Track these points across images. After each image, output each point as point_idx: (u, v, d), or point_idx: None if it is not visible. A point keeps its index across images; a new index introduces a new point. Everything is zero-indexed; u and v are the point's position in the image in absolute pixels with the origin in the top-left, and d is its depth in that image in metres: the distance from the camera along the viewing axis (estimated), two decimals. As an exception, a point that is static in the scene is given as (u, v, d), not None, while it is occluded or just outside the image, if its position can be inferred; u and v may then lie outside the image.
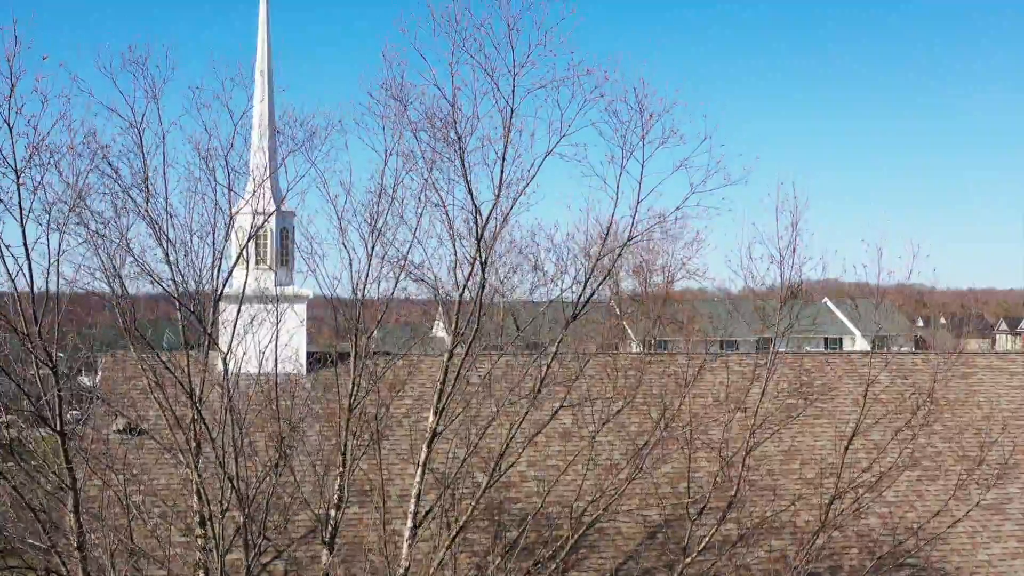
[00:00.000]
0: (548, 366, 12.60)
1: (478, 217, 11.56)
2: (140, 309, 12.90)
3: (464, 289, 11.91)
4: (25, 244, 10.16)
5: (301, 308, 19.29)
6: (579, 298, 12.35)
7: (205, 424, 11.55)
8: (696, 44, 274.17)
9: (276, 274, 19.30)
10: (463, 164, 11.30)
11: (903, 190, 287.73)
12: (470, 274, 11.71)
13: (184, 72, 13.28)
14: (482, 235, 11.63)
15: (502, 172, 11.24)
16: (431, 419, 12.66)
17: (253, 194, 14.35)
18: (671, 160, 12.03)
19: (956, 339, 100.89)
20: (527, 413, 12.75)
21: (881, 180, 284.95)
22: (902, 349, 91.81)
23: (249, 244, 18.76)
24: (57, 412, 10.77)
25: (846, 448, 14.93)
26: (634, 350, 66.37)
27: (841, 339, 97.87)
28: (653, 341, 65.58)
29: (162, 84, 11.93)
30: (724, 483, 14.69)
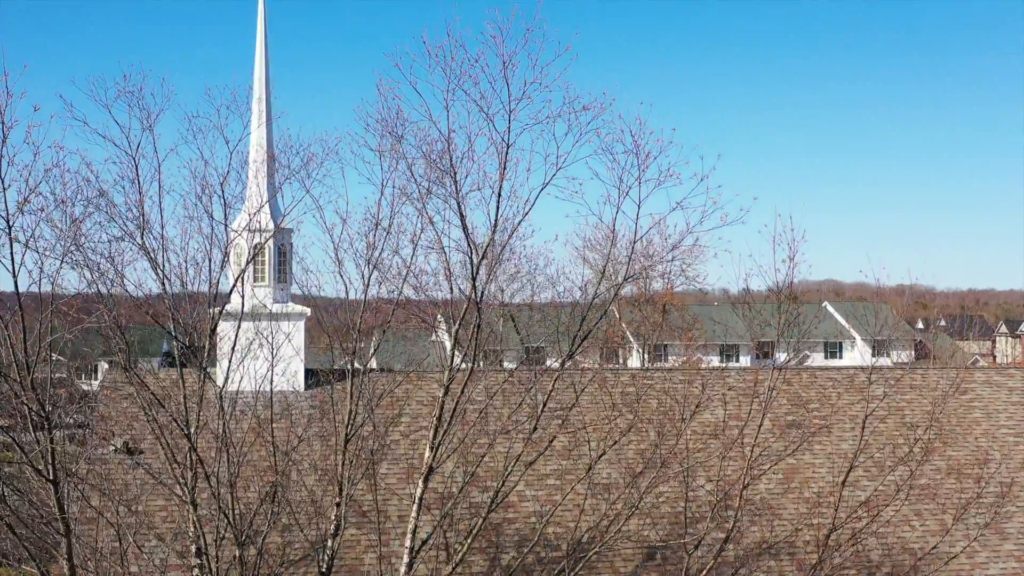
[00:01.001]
0: (544, 403, 12.52)
1: (473, 256, 11.52)
2: (134, 333, 12.87)
3: (459, 326, 11.86)
4: (18, 295, 10.08)
5: (299, 326, 19.26)
6: (575, 336, 12.32)
7: (202, 463, 11.51)
8: (695, 67, 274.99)
9: (274, 292, 19.28)
10: (458, 201, 11.27)
11: (903, 190, 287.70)
12: (465, 312, 11.67)
13: (181, 96, 13.24)
14: (477, 273, 11.59)
15: (498, 208, 11.24)
16: (427, 454, 12.62)
17: (248, 224, 14.29)
18: (667, 198, 12.03)
19: (956, 342, 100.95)
20: (522, 453, 12.67)
21: (881, 180, 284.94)
22: (901, 356, 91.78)
23: (246, 270, 18.72)
24: (50, 461, 10.68)
25: (843, 482, 14.90)
26: (635, 354, 66.36)
27: (841, 343, 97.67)
28: (653, 347, 65.67)
29: (157, 114, 11.89)
30: (722, 513, 14.69)
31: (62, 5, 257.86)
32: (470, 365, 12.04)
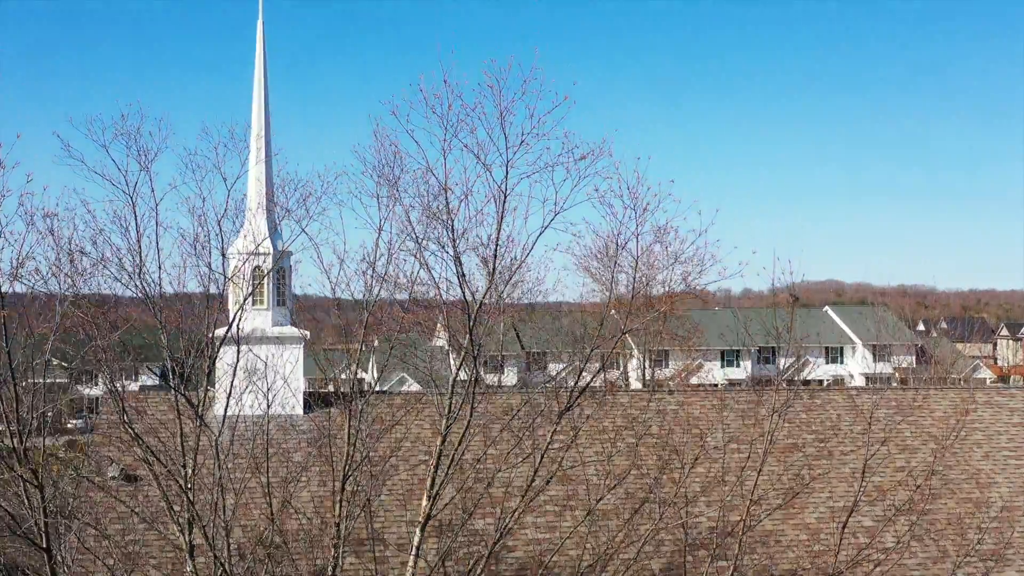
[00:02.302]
0: (543, 455, 12.42)
1: (469, 309, 11.42)
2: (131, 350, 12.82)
3: (458, 373, 11.78)
4: (11, 367, 10.02)
5: (298, 350, 19.19)
6: (573, 388, 12.24)
7: (197, 515, 11.45)
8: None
9: (273, 315, 19.22)
10: (456, 255, 11.18)
11: (904, 190, 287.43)
12: (461, 363, 11.61)
13: (179, 130, 13.20)
14: (474, 325, 11.50)
15: (495, 259, 11.14)
16: (424, 503, 12.54)
17: (246, 261, 14.23)
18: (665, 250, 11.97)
19: (956, 346, 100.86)
20: (519, 507, 12.58)
21: (882, 180, 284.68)
22: (901, 361, 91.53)
23: (244, 304, 18.65)
24: (43, 529, 10.58)
25: (843, 526, 14.87)
26: (634, 359, 66.35)
27: (842, 348, 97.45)
28: (654, 353, 65.63)
29: (155, 154, 11.83)
30: (721, 544, 14.63)
31: (61, 40, 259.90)
32: (468, 418, 11.94)
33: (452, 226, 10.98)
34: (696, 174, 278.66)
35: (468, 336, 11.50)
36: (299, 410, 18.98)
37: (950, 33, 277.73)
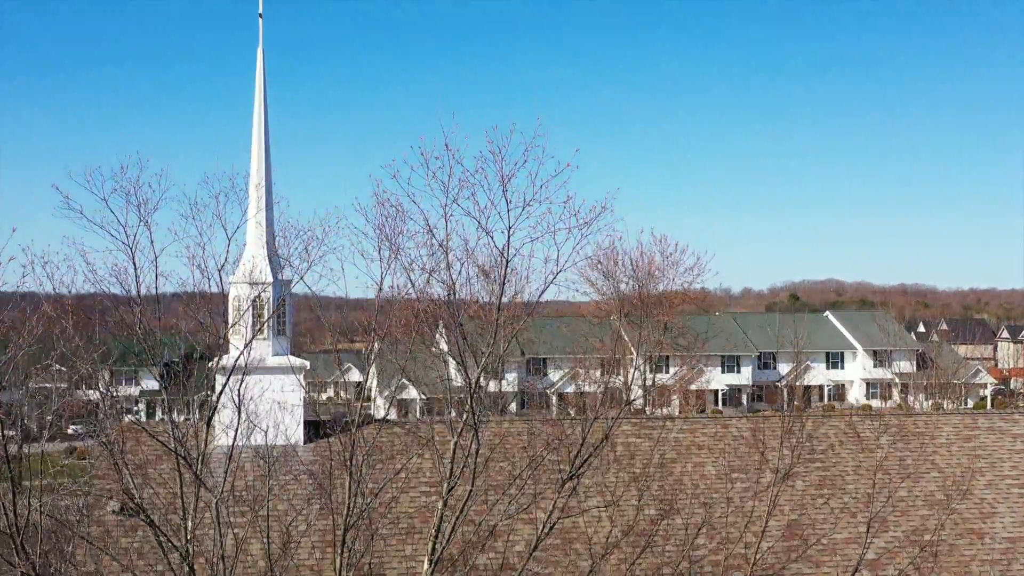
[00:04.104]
0: (547, 528, 12.31)
1: (468, 377, 11.34)
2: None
3: (459, 438, 11.69)
4: (7, 459, 9.96)
5: (298, 379, 19.09)
6: (575, 457, 12.14)
7: (192, 570, 11.38)
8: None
9: (273, 345, 19.13)
10: (459, 342, 11.11)
11: (905, 190, 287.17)
12: (461, 430, 11.52)
13: (179, 176, 13.12)
14: (475, 393, 11.40)
15: (496, 326, 11.06)
16: (425, 567, 12.44)
17: (248, 307, 14.13)
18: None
19: (956, 349, 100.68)
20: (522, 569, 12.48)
21: (882, 180, 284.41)
22: (902, 366, 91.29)
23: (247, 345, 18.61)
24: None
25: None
26: (635, 365, 66.30)
27: (842, 353, 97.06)
28: (655, 359, 65.62)
29: (155, 204, 11.76)
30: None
31: (60, 91, 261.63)
32: (469, 487, 11.84)
33: (454, 289, 10.93)
34: (696, 175, 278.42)
35: (469, 407, 11.43)
36: (299, 439, 18.90)
37: (951, 33, 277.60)
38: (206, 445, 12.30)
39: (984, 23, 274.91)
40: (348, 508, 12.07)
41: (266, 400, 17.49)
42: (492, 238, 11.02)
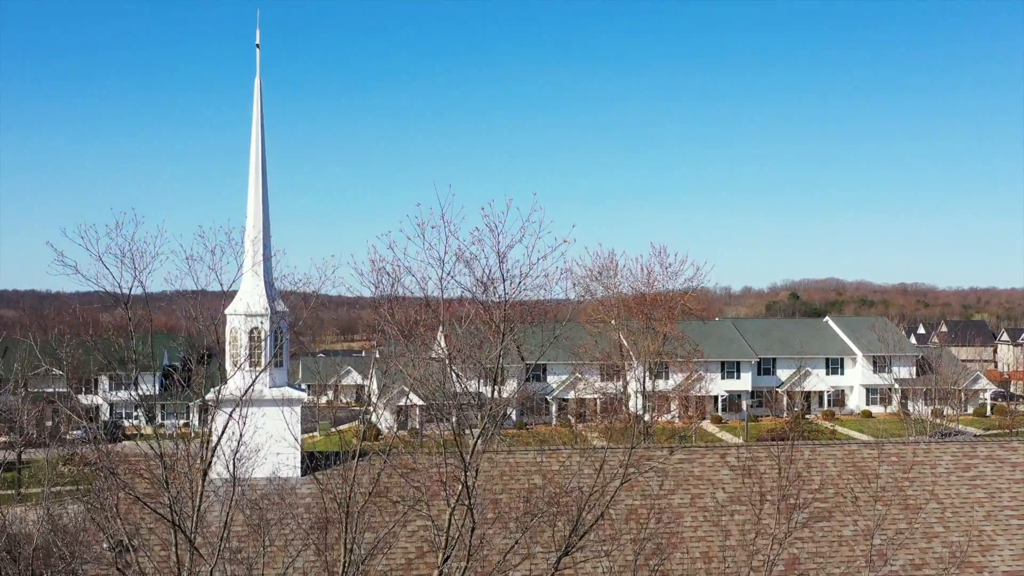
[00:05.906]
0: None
1: (464, 458, 11.28)
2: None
3: (454, 509, 11.65)
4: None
5: (295, 411, 19.07)
6: (572, 530, 12.12)
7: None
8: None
9: (271, 377, 19.10)
10: (457, 419, 11.06)
11: (905, 189, 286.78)
12: (457, 500, 11.46)
13: (175, 227, 13.09)
14: (468, 466, 11.35)
15: (492, 397, 11.02)
16: None
17: (239, 366, 14.04)
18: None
19: (956, 353, 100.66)
20: None
21: (883, 180, 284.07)
22: (902, 372, 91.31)
23: (242, 348, 18.62)
24: None
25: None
26: (634, 371, 66.27)
27: (842, 359, 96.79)
28: (654, 367, 65.57)
29: (150, 261, 11.69)
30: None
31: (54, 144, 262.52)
32: (464, 564, 11.79)
33: (450, 361, 10.89)
34: (697, 175, 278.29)
35: (463, 485, 11.37)
36: (297, 472, 18.89)
37: (951, 33, 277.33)
38: (200, 499, 12.27)
39: (984, 23, 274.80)
40: (347, 551, 12.07)
41: (263, 433, 17.50)
42: (491, 315, 10.90)
